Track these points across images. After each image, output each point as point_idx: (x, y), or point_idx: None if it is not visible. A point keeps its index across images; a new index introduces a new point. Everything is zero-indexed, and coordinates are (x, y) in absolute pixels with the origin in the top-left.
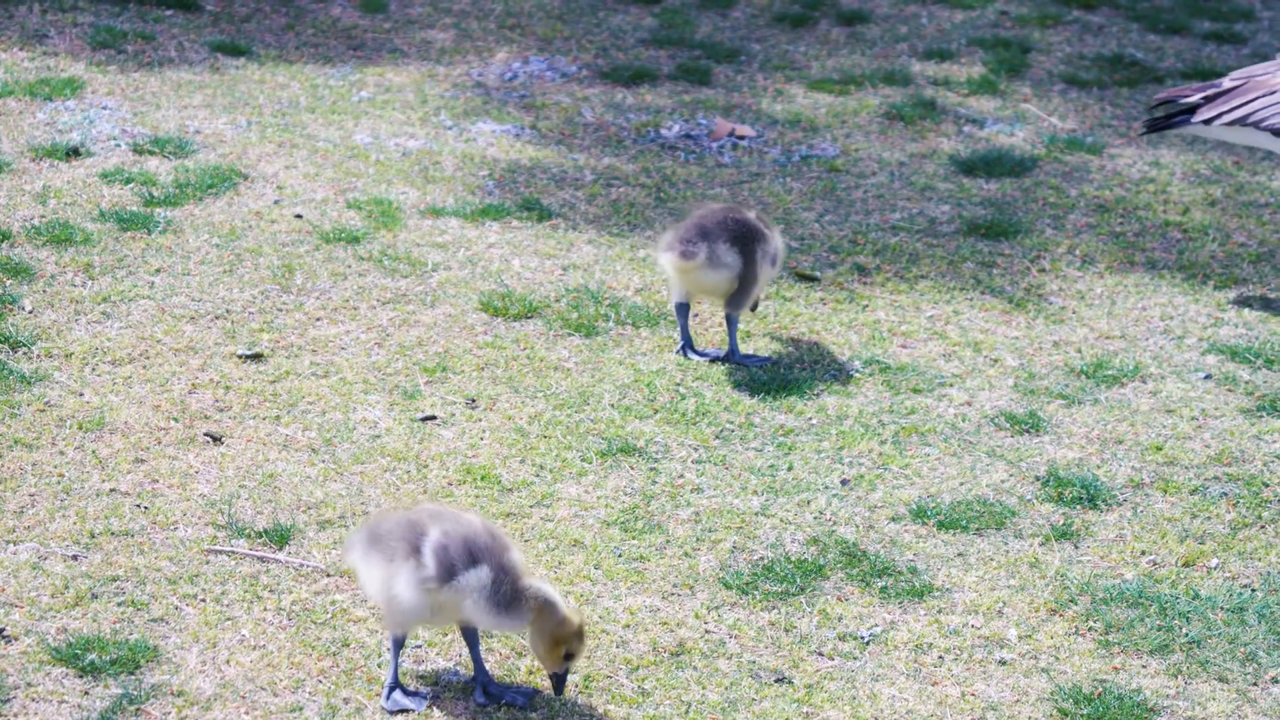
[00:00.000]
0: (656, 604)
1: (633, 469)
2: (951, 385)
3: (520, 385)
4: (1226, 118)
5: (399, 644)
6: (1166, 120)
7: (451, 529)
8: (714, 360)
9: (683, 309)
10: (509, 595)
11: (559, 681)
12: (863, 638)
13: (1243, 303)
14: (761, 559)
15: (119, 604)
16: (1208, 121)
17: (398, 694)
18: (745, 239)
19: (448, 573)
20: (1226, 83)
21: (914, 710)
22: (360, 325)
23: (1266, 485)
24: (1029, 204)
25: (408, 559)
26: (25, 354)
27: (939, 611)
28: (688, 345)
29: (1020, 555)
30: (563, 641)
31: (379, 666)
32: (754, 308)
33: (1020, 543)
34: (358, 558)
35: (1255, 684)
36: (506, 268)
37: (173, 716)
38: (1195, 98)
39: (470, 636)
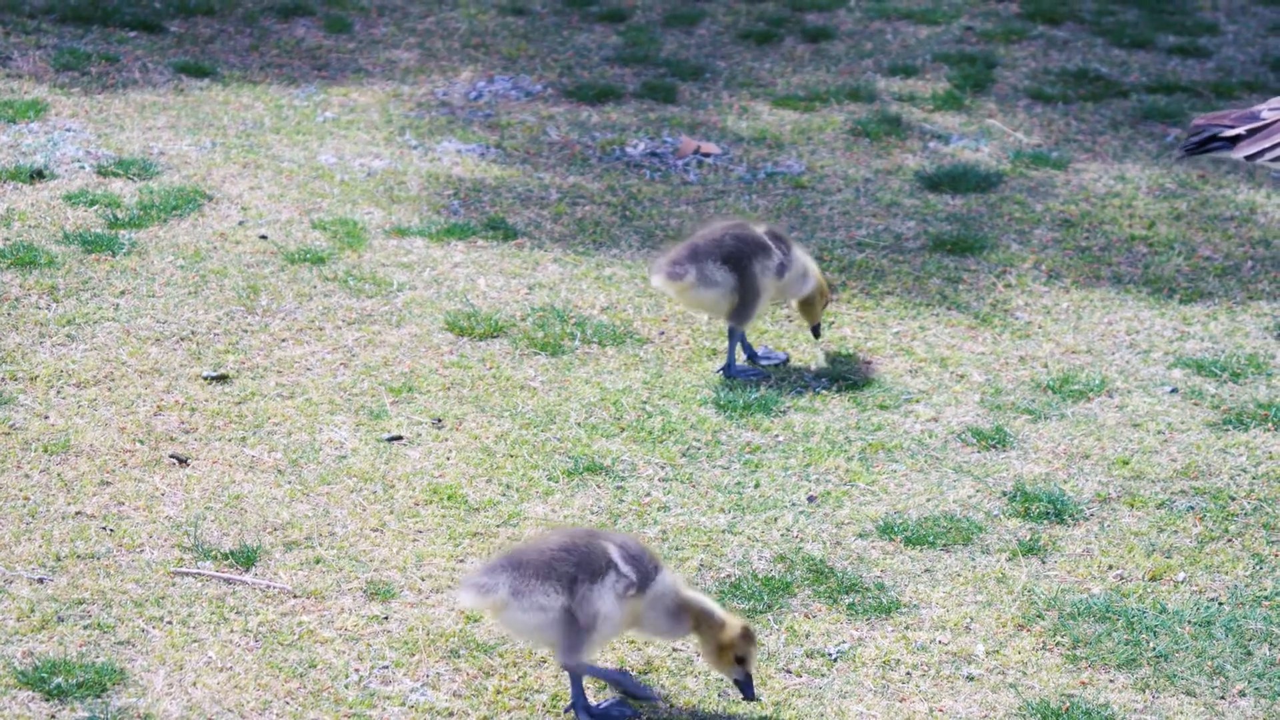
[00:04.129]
0: None
1: (599, 488)
2: (918, 401)
3: (486, 405)
4: (1270, 155)
5: (580, 676)
6: (1203, 146)
7: (624, 541)
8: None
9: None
10: (681, 601)
11: (743, 686)
12: (830, 654)
13: (1209, 316)
14: (729, 576)
15: (85, 627)
16: (1250, 158)
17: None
18: (741, 255)
19: (645, 580)
20: (1266, 113)
21: None
22: (326, 346)
23: (1233, 499)
24: (994, 219)
25: (603, 575)
26: None
27: (906, 628)
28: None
29: (987, 571)
30: (730, 647)
31: (346, 688)
32: (816, 334)
33: (987, 558)
34: (505, 598)
35: (1223, 697)
36: (472, 287)
37: None
38: (1238, 129)
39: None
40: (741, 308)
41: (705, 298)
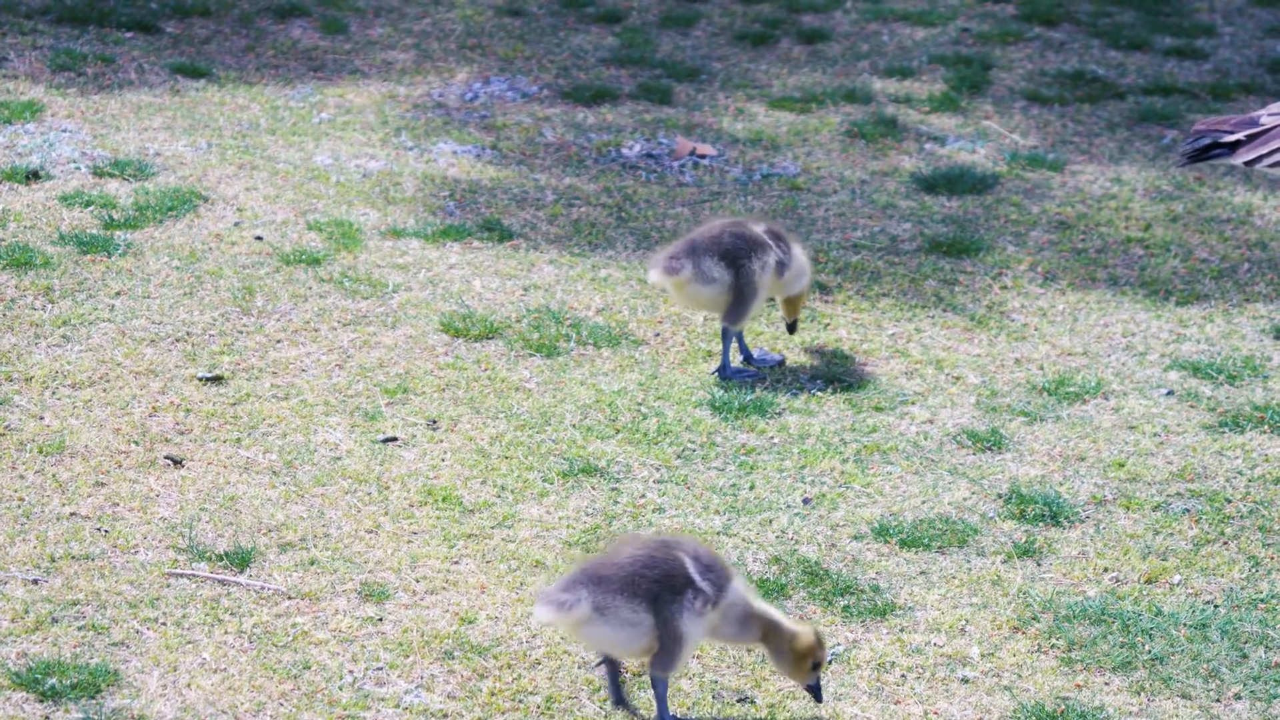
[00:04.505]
0: None
1: (594, 489)
2: (913, 403)
3: (482, 406)
4: (1268, 160)
5: (666, 684)
6: (1204, 153)
7: (696, 552)
8: (755, 372)
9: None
10: (749, 610)
11: (815, 691)
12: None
13: (1205, 319)
14: None
15: (79, 628)
16: (1249, 163)
17: None
18: (738, 253)
19: (718, 592)
20: (1265, 119)
21: None
22: (321, 347)
23: (1229, 501)
24: (990, 221)
25: (682, 592)
26: None
27: (901, 630)
28: (746, 357)
29: (982, 573)
30: (807, 655)
31: (340, 689)
32: (792, 330)
33: (982, 560)
34: (587, 613)
35: (1218, 700)
36: (467, 288)
37: None
38: (1238, 135)
39: (613, 668)
40: (736, 306)
41: (702, 294)
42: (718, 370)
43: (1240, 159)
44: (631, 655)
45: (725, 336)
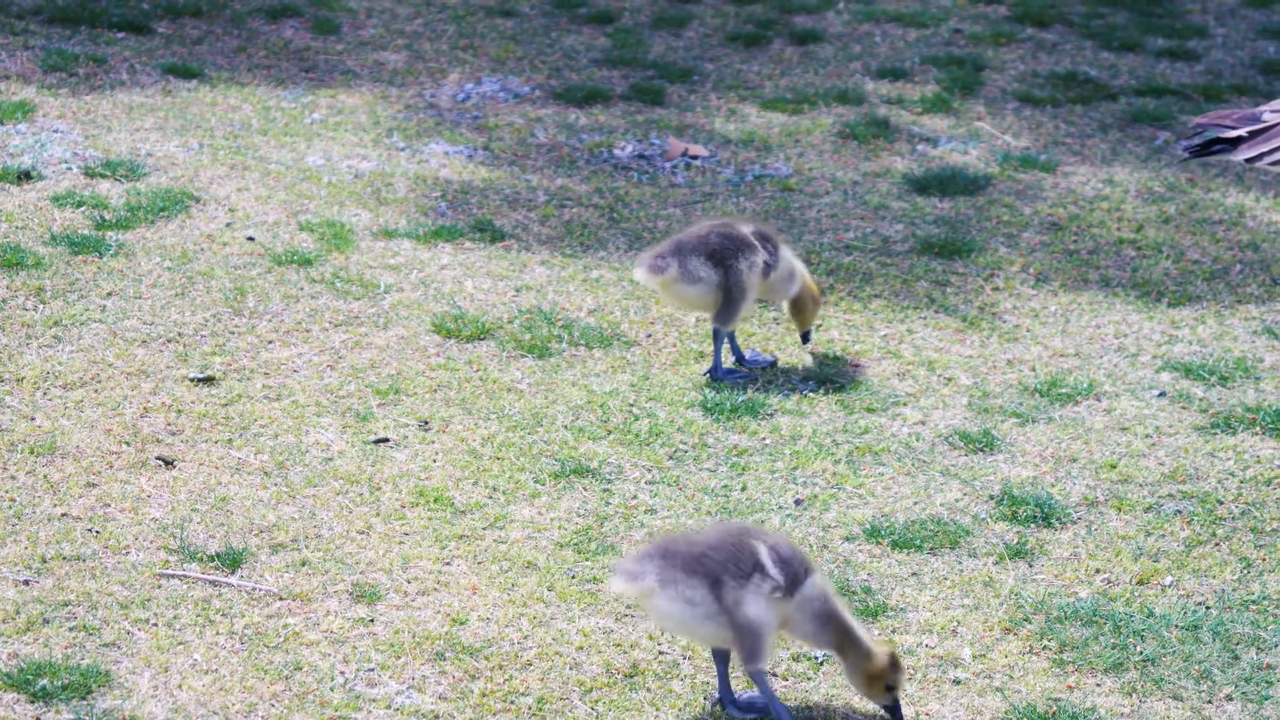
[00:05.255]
0: (610, 625)
1: (586, 490)
2: (905, 404)
3: (473, 407)
4: (1270, 158)
5: (764, 675)
6: (1206, 148)
7: (776, 542)
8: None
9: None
10: (829, 611)
11: (891, 711)
12: (817, 658)
13: (1197, 320)
14: None
15: (71, 629)
16: (1250, 160)
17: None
18: (725, 253)
19: (793, 583)
20: (1268, 115)
21: None
22: (312, 348)
23: (1220, 503)
24: (982, 222)
25: (749, 577)
26: None
27: (893, 631)
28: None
29: (974, 574)
30: (879, 676)
31: (331, 690)
32: (806, 339)
33: (974, 562)
34: (651, 586)
35: (1210, 702)
36: (459, 289)
37: None
38: (1239, 131)
39: (721, 661)
40: (726, 306)
41: (688, 293)
42: (709, 371)
43: (1241, 155)
44: (698, 639)
45: (716, 337)
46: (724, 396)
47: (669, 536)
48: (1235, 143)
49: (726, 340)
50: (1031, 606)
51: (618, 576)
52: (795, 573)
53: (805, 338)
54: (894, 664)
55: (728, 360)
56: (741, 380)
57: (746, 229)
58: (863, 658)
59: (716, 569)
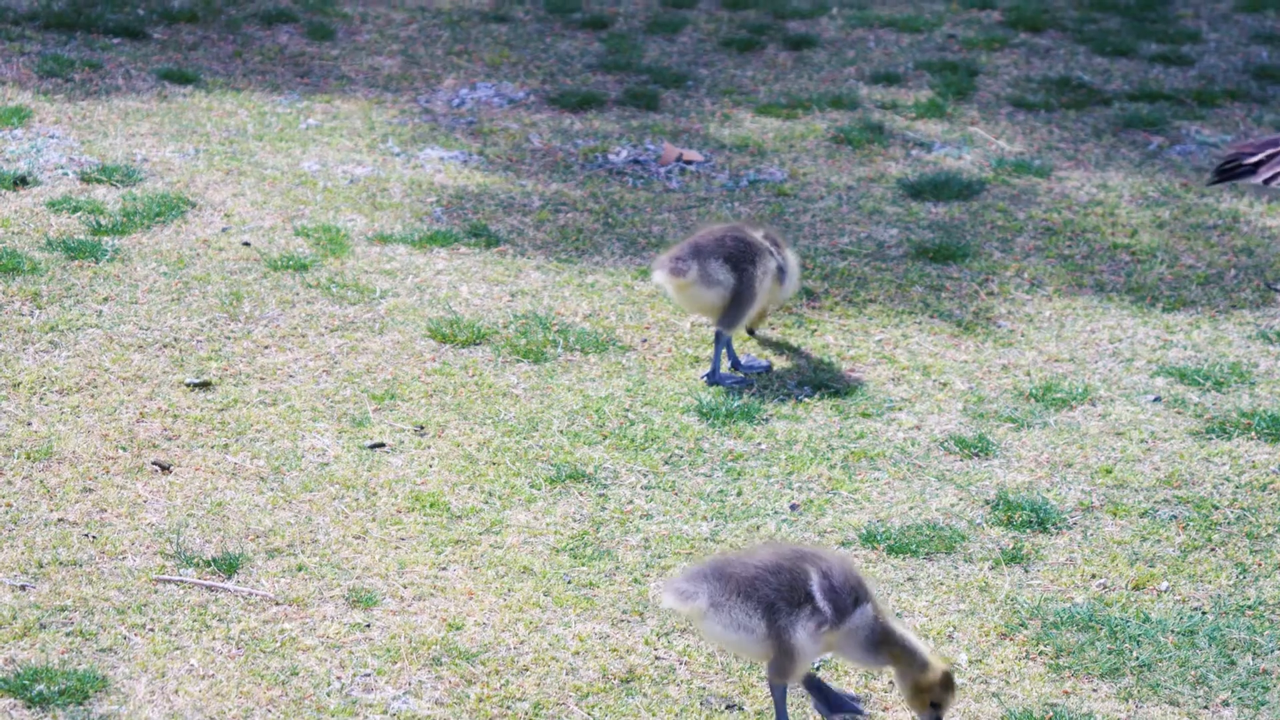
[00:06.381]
0: (606, 631)
1: (582, 495)
2: (900, 409)
3: (469, 412)
4: None
5: (785, 690)
6: (1232, 173)
7: (829, 569)
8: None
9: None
10: (880, 634)
11: None
12: (814, 663)
13: (1191, 325)
14: None
15: (67, 634)
16: (1266, 182)
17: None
18: (740, 257)
19: (840, 615)
20: None
21: None
22: (308, 353)
23: (1216, 508)
24: (977, 227)
25: (800, 606)
26: None
27: None
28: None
29: (970, 579)
30: (926, 690)
31: (327, 695)
32: (752, 332)
33: (970, 567)
34: (703, 608)
35: (1206, 707)
36: (455, 294)
37: None
38: (1259, 155)
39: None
40: (734, 310)
41: (705, 296)
42: (707, 375)
43: (1261, 177)
44: (750, 657)
45: (718, 341)
46: (719, 401)
47: (723, 555)
48: (1256, 167)
49: (725, 344)
50: (1027, 612)
51: (669, 594)
52: (843, 604)
53: (752, 331)
54: (946, 683)
55: (725, 365)
56: (738, 385)
57: (758, 233)
58: (916, 669)
59: (772, 596)
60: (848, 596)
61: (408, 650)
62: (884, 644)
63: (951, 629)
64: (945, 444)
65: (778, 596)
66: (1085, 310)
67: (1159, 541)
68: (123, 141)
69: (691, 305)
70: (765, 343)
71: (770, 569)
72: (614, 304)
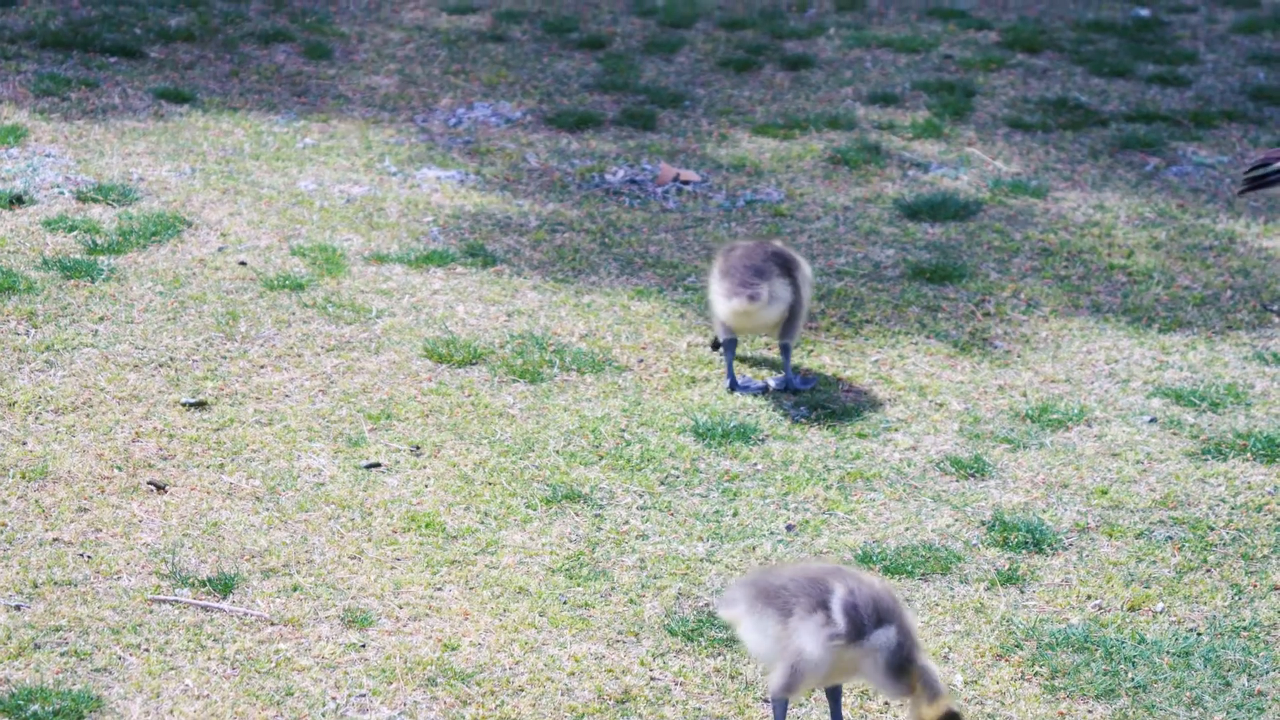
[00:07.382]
0: (602, 651)
1: (578, 515)
2: (897, 430)
3: (465, 432)
4: None
5: (784, 706)
6: (1262, 180)
7: (857, 587)
8: (761, 392)
9: (731, 345)
10: (905, 661)
11: None
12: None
13: (1188, 346)
14: (707, 605)
15: (62, 654)
16: None
17: None
18: (789, 269)
19: (857, 631)
20: None
21: None
22: (304, 373)
23: (1212, 529)
24: (974, 248)
25: (812, 614)
26: None
27: None
28: (734, 383)
29: (966, 600)
30: None
31: (323, 716)
32: (715, 346)
33: (966, 588)
34: (742, 612)
35: None
36: (451, 314)
37: None
38: None
39: (834, 695)
40: (794, 321)
41: (770, 315)
42: (783, 384)
43: None
44: (770, 667)
45: (785, 352)
46: (715, 422)
47: (767, 567)
48: None
49: (724, 362)
50: (1023, 633)
51: (721, 602)
52: (861, 621)
53: (715, 344)
54: (948, 719)
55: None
56: (808, 386)
57: (780, 245)
58: (926, 699)
59: (791, 601)
60: (869, 615)
61: (403, 670)
62: (906, 673)
63: (947, 650)
64: (941, 465)
65: (795, 603)
66: (1081, 331)
67: (1154, 563)
68: (119, 160)
69: (759, 326)
70: (762, 363)
71: (798, 579)
72: (610, 324)
